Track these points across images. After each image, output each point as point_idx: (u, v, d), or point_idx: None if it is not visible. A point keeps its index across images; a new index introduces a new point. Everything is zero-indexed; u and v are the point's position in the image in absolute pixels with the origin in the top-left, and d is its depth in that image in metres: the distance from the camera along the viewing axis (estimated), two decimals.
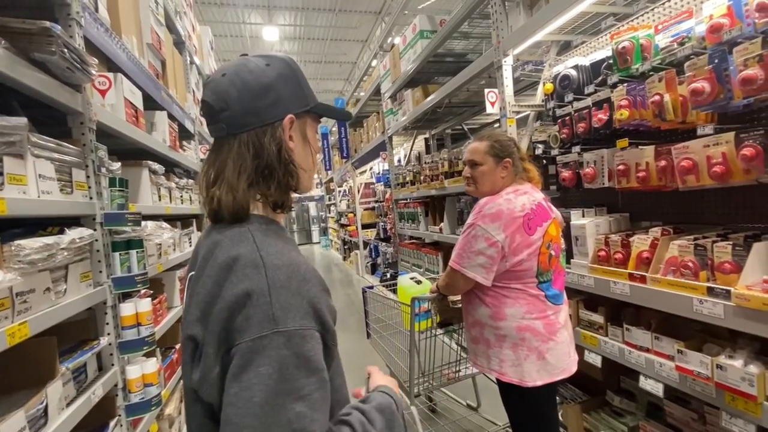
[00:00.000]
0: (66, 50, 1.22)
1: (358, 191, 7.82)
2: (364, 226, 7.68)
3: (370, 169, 8.42)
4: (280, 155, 0.68)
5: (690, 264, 1.36)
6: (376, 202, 7.47)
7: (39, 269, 1.12)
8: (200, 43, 3.96)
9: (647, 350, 1.55)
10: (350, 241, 8.69)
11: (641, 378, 1.57)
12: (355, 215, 7.81)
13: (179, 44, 3.12)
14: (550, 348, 1.35)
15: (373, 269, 7.11)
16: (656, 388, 1.51)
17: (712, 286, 1.28)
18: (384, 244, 6.42)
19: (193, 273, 0.69)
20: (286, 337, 0.53)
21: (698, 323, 1.41)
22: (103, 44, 1.64)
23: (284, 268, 0.58)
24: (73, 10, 1.41)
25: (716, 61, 1.28)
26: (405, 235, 4.56)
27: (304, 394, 0.53)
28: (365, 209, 7.84)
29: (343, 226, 9.48)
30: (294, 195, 0.74)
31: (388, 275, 5.67)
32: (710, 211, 1.68)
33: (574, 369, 1.42)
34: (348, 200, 9.02)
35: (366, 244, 7.51)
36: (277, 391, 0.51)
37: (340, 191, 9.93)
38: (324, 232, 14.16)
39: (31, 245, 1.06)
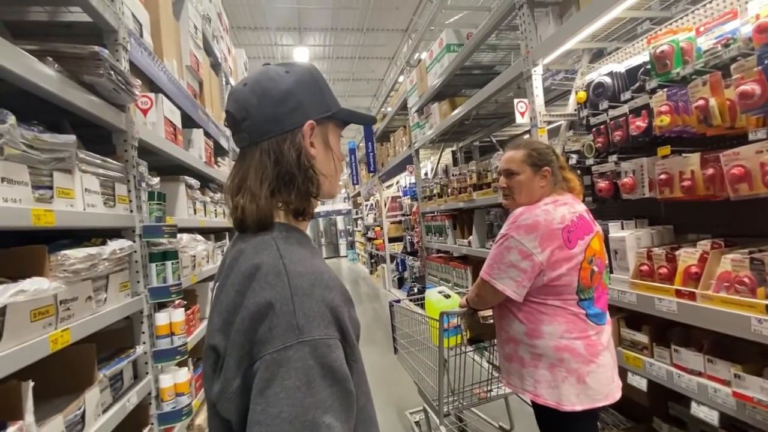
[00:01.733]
0: (113, 73, 1.30)
1: (385, 205, 7.84)
2: (391, 240, 7.66)
3: (397, 182, 8.44)
4: (300, 162, 0.67)
5: (746, 279, 1.25)
6: (403, 215, 7.44)
7: (82, 278, 1.17)
8: (235, 64, 4.15)
9: (699, 374, 1.43)
10: (377, 254, 8.68)
11: (693, 404, 1.44)
12: (381, 229, 7.81)
13: (216, 66, 3.29)
14: (591, 371, 1.25)
15: (400, 283, 7.04)
16: (710, 416, 1.38)
17: None
18: (411, 257, 6.36)
19: (218, 283, 0.69)
20: (312, 347, 0.52)
21: (756, 345, 1.28)
22: (146, 67, 1.74)
23: (307, 275, 0.57)
24: (120, 36, 1.51)
25: (766, 62, 1.20)
26: (432, 248, 4.51)
27: (330, 404, 0.51)
28: (392, 223, 7.83)
29: (370, 239, 9.50)
30: (317, 201, 0.72)
31: (416, 289, 5.59)
32: (764, 222, 1.55)
33: (618, 395, 1.31)
34: (375, 214, 9.05)
35: (393, 257, 7.48)
36: (305, 405, 0.49)
37: (367, 205, 9.99)
38: (351, 245, 14.25)
39: (75, 255, 1.12)
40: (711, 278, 1.38)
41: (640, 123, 1.64)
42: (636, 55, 1.90)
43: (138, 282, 1.54)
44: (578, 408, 1.24)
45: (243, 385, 0.53)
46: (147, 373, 1.54)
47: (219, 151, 3.21)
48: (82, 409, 1.12)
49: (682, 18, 1.71)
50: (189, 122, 2.38)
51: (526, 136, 4.49)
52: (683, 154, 1.54)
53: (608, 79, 1.84)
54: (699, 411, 1.42)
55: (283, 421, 0.48)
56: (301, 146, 0.67)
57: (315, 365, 0.51)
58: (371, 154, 7.08)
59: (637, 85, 1.69)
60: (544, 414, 1.32)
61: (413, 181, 5.32)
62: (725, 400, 1.31)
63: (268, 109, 0.66)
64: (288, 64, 0.72)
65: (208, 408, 0.64)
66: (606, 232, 1.76)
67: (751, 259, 1.26)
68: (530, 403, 1.34)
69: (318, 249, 0.70)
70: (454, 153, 5.33)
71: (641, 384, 1.66)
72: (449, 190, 3.78)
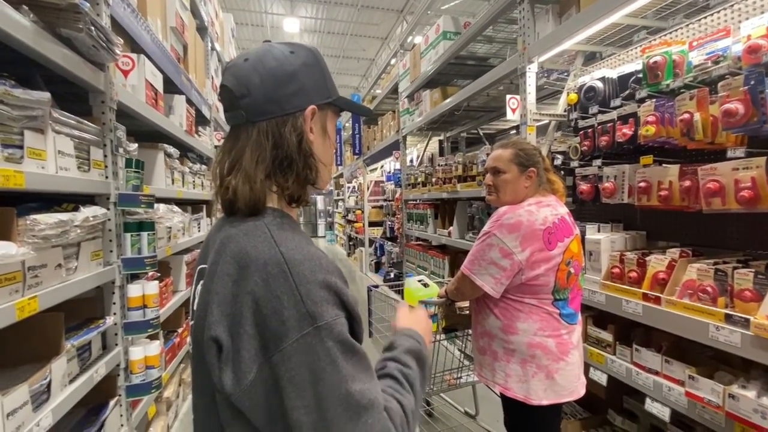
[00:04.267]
0: (93, 28, 1.22)
1: (368, 188, 7.81)
2: (371, 224, 7.66)
3: (381, 167, 8.39)
4: (301, 147, 0.65)
5: (709, 289, 1.32)
6: (385, 200, 7.44)
7: (52, 245, 1.12)
8: (222, 29, 3.96)
9: (656, 373, 1.51)
10: (356, 237, 8.69)
11: (647, 401, 1.54)
12: (362, 212, 7.79)
13: (202, 30, 3.13)
14: (560, 368, 1.31)
15: (377, 267, 7.09)
16: (663, 413, 1.48)
17: (731, 313, 1.24)
18: (390, 243, 6.40)
19: (204, 266, 0.67)
20: (328, 330, 0.55)
21: (710, 349, 1.37)
22: (128, 25, 1.64)
23: (306, 262, 0.57)
24: None
25: (752, 82, 1.24)
26: (412, 235, 4.54)
27: (354, 374, 0.55)
28: (373, 207, 7.82)
29: (349, 222, 9.48)
30: (312, 189, 0.71)
31: (392, 275, 5.65)
32: (731, 236, 1.63)
33: (582, 392, 1.38)
34: (357, 197, 9.00)
35: (372, 241, 7.50)
36: (335, 381, 0.53)
37: (349, 187, 9.92)
38: (330, 226, 14.17)
39: (46, 220, 1.06)
40: (676, 285, 1.46)
41: (627, 130, 1.68)
42: (629, 63, 1.93)
43: (111, 251, 1.49)
44: (545, 402, 1.30)
45: (260, 378, 0.54)
46: (116, 345, 1.51)
47: (200, 119, 3.09)
48: (48, 379, 1.08)
49: (676, 30, 1.74)
50: (171, 87, 2.27)
51: (513, 132, 4.54)
52: (664, 165, 1.59)
53: (600, 84, 1.87)
54: (652, 407, 1.52)
55: (319, 400, 0.52)
56: (302, 131, 0.66)
57: (333, 345, 0.55)
58: (357, 136, 6.99)
59: (628, 92, 1.72)
60: (511, 406, 1.38)
61: (398, 167, 5.30)
62: (678, 398, 1.40)
63: (270, 88, 0.64)
64: (292, 44, 0.69)
65: (201, 395, 0.63)
66: (583, 233, 1.82)
67: (716, 270, 1.33)
68: (498, 394, 1.40)
69: (307, 235, 0.69)
70: (441, 142, 5.33)
71: (601, 379, 1.76)
72: (434, 180, 3.79)
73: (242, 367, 0.54)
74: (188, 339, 2.36)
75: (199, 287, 0.66)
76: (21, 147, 1.02)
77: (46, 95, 1.08)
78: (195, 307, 0.65)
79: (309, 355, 0.53)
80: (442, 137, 5.29)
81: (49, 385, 1.10)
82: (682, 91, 1.48)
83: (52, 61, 1.14)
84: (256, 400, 0.54)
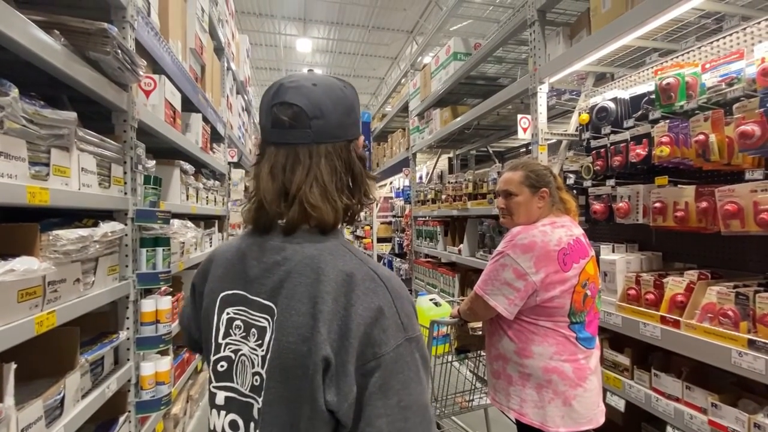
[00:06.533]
0: (119, 51, 1.27)
1: (377, 204, 7.83)
2: (380, 240, 7.65)
3: (390, 183, 8.43)
4: (362, 170, 0.72)
5: (730, 313, 1.29)
6: (394, 216, 7.44)
7: (72, 260, 1.14)
8: (238, 50, 4.09)
9: (677, 399, 1.47)
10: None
11: (668, 429, 1.49)
12: (371, 228, 7.80)
13: (219, 50, 3.23)
14: (578, 395, 1.27)
15: None
16: None
17: (754, 338, 1.20)
18: (398, 259, 6.36)
19: (234, 292, 0.65)
20: (416, 342, 0.60)
21: (732, 375, 1.33)
22: (151, 47, 1.70)
23: (393, 279, 0.63)
24: (128, 13, 1.47)
25: None
26: (421, 252, 4.52)
27: (427, 387, 0.60)
28: (382, 223, 7.82)
29: (358, 237, 9.48)
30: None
31: None
32: (750, 258, 1.60)
33: (601, 420, 1.33)
34: (365, 212, 9.03)
35: (380, 257, 7.47)
36: (418, 392, 0.57)
37: None
38: None
39: (67, 236, 1.08)
40: (696, 308, 1.42)
41: (640, 151, 1.67)
42: (641, 84, 1.94)
43: (127, 266, 1.51)
44: (562, 430, 1.25)
45: (359, 389, 0.57)
46: (128, 360, 1.51)
47: (215, 137, 3.16)
48: (62, 394, 1.09)
49: (688, 52, 1.76)
50: (188, 105, 2.33)
51: (523, 151, 4.54)
52: (679, 185, 1.58)
53: (612, 105, 1.88)
54: None
55: (403, 409, 0.56)
56: (358, 156, 0.72)
57: (419, 357, 0.60)
58: (368, 152, 7.06)
59: (640, 113, 1.73)
60: None
61: (408, 183, 5.32)
62: (701, 427, 1.35)
63: (340, 115, 0.68)
64: (340, 79, 0.73)
65: (309, 417, 0.58)
66: (597, 253, 1.80)
67: (737, 293, 1.30)
68: (514, 420, 1.36)
69: None
70: (450, 159, 5.35)
71: (619, 404, 1.70)
72: (443, 197, 3.79)
73: (348, 381, 0.56)
74: (197, 355, 2.34)
75: (227, 315, 0.65)
76: (47, 164, 1.06)
77: (73, 115, 1.12)
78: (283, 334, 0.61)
79: (400, 364, 0.57)
80: (451, 154, 5.32)
81: (62, 400, 1.10)
82: (696, 112, 1.48)
83: (79, 82, 1.18)
84: (356, 413, 0.56)
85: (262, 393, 0.61)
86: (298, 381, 0.57)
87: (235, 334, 0.65)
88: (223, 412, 0.65)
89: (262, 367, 0.61)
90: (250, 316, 0.64)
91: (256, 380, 0.61)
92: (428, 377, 0.62)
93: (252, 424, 0.62)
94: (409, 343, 0.59)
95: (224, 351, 0.65)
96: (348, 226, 0.82)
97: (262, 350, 0.61)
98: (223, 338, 0.66)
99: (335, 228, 0.66)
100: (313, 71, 0.76)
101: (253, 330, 0.63)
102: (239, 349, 0.64)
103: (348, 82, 0.75)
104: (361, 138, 0.74)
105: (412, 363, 0.58)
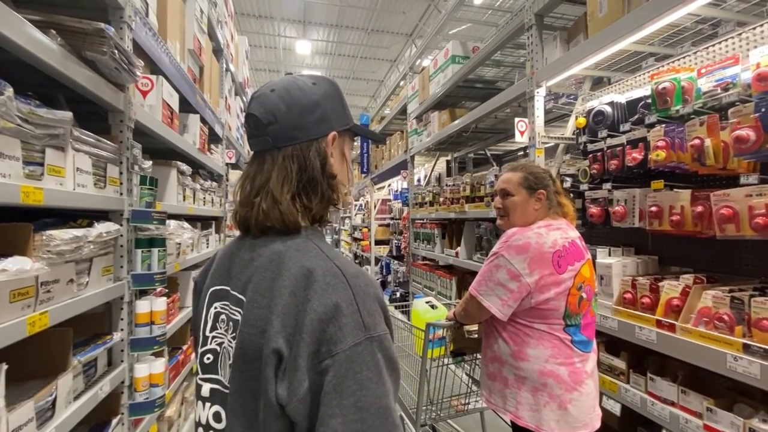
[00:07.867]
0: (116, 51, 1.26)
1: (375, 207, 7.83)
2: (378, 242, 7.64)
3: (389, 185, 8.44)
4: (324, 169, 0.69)
5: (725, 317, 1.29)
6: (392, 219, 7.45)
7: (66, 260, 1.13)
8: (237, 51, 4.09)
9: (672, 404, 1.47)
10: (362, 255, 8.66)
11: None
12: (369, 230, 7.79)
13: (217, 52, 3.23)
14: (573, 399, 1.27)
15: (383, 286, 7.03)
16: None
17: (749, 343, 1.21)
18: (396, 262, 6.36)
19: (221, 287, 0.68)
20: (378, 342, 0.57)
21: (728, 380, 1.33)
22: (149, 48, 1.70)
23: (360, 276, 0.61)
24: (126, 13, 1.47)
25: (763, 110, 1.24)
26: (419, 255, 4.52)
27: (392, 390, 0.57)
28: (380, 225, 7.82)
29: (356, 240, 9.47)
30: (334, 209, 0.74)
31: (398, 294, 5.59)
32: (745, 262, 1.60)
33: (597, 425, 1.32)
34: (363, 215, 9.02)
35: (378, 260, 7.47)
36: (378, 393, 0.55)
37: (356, 205, 9.96)
38: (336, 244, 14.17)
39: (61, 236, 1.08)
40: (691, 312, 1.43)
41: (637, 155, 1.68)
42: (637, 88, 1.95)
43: (121, 267, 1.50)
44: None
45: (311, 385, 0.55)
46: (122, 361, 1.50)
47: (213, 138, 3.16)
48: (53, 396, 1.08)
49: (684, 57, 1.77)
50: (186, 106, 2.33)
51: (521, 154, 4.55)
52: (675, 189, 1.58)
53: (609, 109, 1.89)
54: None
55: (359, 410, 0.53)
56: (325, 155, 0.70)
57: (381, 357, 0.57)
58: (366, 155, 7.07)
59: (637, 117, 1.73)
60: None
61: (406, 186, 5.33)
62: (696, 431, 1.35)
63: (296, 116, 0.68)
64: (313, 76, 0.73)
65: (245, 416, 0.60)
66: (594, 257, 1.80)
67: (732, 297, 1.30)
68: (509, 423, 1.35)
69: None
70: (448, 162, 5.36)
71: (615, 408, 1.70)
72: (441, 200, 3.80)
73: (298, 375, 0.55)
74: (192, 356, 2.34)
75: (214, 309, 0.66)
76: (41, 164, 1.05)
77: (68, 115, 1.12)
78: (227, 330, 0.65)
79: (358, 363, 0.55)
80: (449, 157, 5.33)
81: (54, 401, 1.09)
82: (691, 117, 1.49)
83: (76, 82, 1.18)
84: (307, 410, 0.55)
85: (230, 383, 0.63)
86: (256, 372, 0.59)
87: (220, 328, 0.67)
88: (208, 404, 0.66)
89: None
90: (230, 310, 0.66)
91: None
92: (395, 379, 0.59)
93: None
94: (370, 342, 0.56)
95: (210, 344, 0.67)
96: (317, 226, 0.78)
97: (235, 342, 0.63)
98: (210, 331, 0.68)
99: (296, 228, 0.66)
100: (292, 74, 0.76)
101: (230, 323, 0.65)
102: (223, 342, 0.66)
103: (324, 77, 0.74)
104: (331, 135, 0.70)
105: (372, 363, 0.56)
